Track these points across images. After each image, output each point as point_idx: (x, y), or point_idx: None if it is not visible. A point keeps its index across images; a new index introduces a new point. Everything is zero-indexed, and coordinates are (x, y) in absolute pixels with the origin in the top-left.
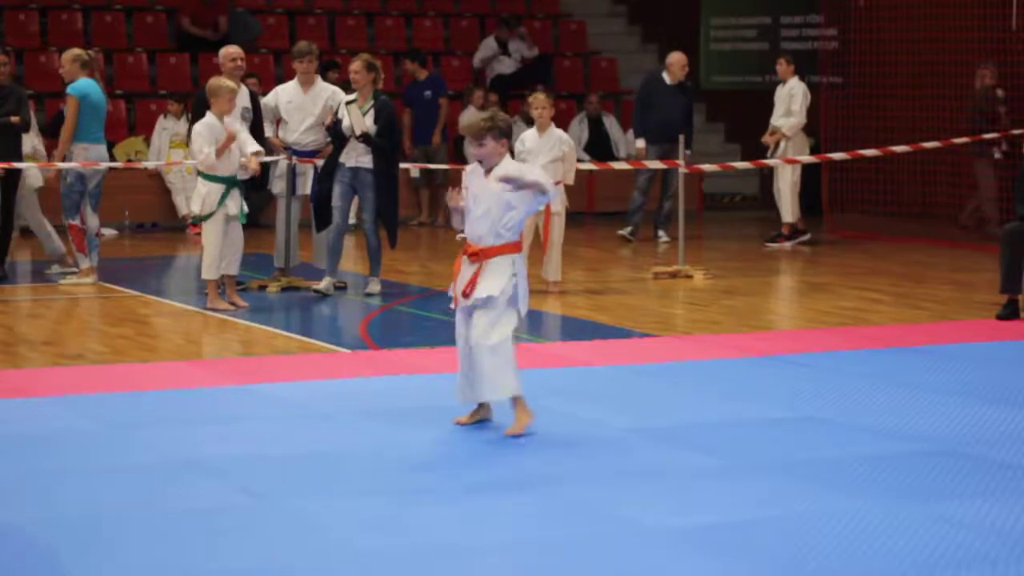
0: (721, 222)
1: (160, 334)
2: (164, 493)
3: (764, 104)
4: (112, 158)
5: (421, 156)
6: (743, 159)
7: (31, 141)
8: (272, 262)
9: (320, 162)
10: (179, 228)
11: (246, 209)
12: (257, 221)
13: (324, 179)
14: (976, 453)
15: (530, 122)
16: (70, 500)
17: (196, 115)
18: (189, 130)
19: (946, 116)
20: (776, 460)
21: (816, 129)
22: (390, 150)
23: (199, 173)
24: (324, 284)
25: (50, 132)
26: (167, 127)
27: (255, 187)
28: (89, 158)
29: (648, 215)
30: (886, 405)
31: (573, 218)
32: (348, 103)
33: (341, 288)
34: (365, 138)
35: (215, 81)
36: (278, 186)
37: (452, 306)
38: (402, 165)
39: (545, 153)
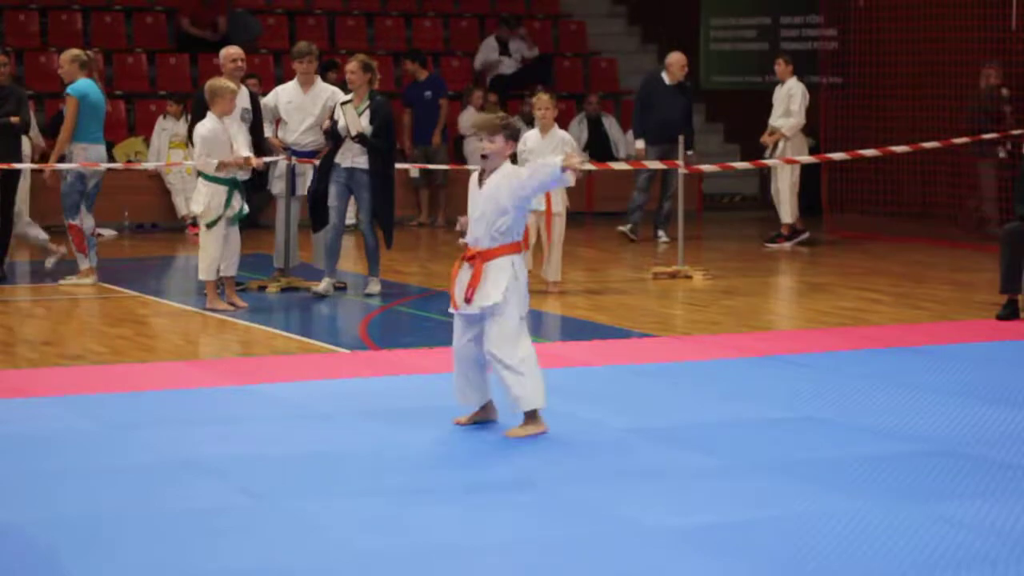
0: (721, 222)
1: (159, 334)
2: (163, 493)
3: (764, 104)
4: (111, 159)
5: (421, 156)
6: (743, 159)
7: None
8: (272, 262)
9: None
10: (178, 229)
11: (246, 209)
12: (257, 221)
13: (319, 179)
14: (976, 453)
15: (530, 122)
16: (70, 500)
17: (195, 116)
18: (188, 131)
19: (946, 116)
20: (776, 460)
21: (816, 129)
22: (386, 150)
23: (199, 174)
24: (323, 286)
25: (50, 132)
26: (167, 128)
27: (255, 188)
28: (89, 158)
29: (648, 215)
30: (886, 405)
31: (573, 218)
32: (344, 103)
33: (341, 288)
34: (361, 138)
35: (216, 82)
36: (278, 186)
37: (451, 309)
38: (402, 165)
39: (547, 154)
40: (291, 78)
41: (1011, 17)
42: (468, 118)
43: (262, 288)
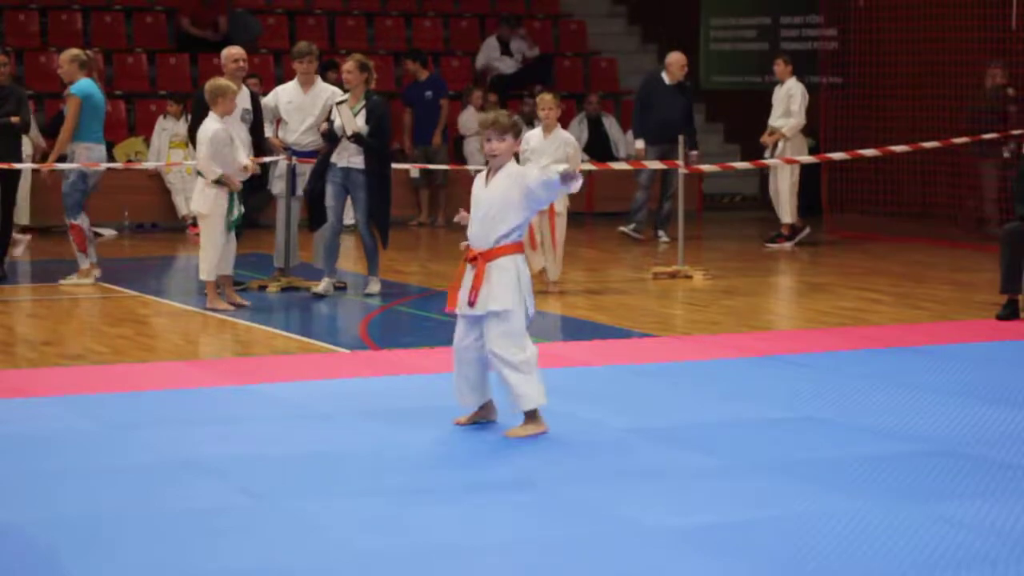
0: (721, 222)
1: (160, 334)
2: (163, 493)
3: (764, 104)
4: (112, 158)
5: (421, 156)
6: (743, 159)
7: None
8: (272, 262)
9: None
10: (179, 228)
11: (242, 210)
12: (257, 221)
13: (315, 179)
14: (976, 453)
15: (530, 122)
16: (70, 500)
17: (195, 116)
18: (188, 130)
19: (946, 116)
20: (776, 460)
21: (816, 129)
22: (381, 150)
23: (199, 173)
24: (323, 286)
25: (50, 132)
26: (167, 127)
27: (254, 187)
28: (91, 158)
29: (649, 215)
30: (886, 405)
31: (573, 218)
32: (339, 103)
33: (341, 288)
34: (356, 138)
35: (218, 82)
36: (278, 186)
37: (447, 310)
38: (403, 165)
39: (550, 154)
40: (291, 78)
41: (1011, 17)
42: (468, 118)
43: (262, 288)
